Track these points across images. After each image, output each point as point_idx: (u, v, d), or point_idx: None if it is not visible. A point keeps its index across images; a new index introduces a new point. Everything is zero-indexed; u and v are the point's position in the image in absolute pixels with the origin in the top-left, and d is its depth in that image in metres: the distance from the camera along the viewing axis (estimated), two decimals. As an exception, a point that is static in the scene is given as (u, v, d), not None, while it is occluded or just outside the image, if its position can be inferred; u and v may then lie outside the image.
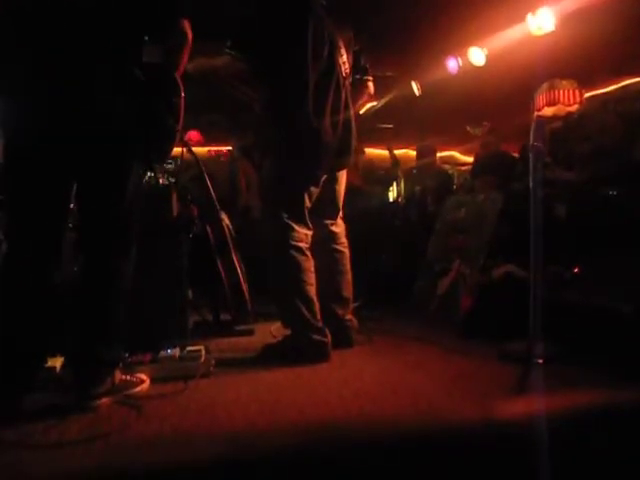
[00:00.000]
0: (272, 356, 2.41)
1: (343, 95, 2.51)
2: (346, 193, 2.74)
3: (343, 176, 2.67)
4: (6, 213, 1.82)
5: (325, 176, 2.52)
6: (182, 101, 1.94)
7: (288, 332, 2.51)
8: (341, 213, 2.73)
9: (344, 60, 2.53)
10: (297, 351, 2.36)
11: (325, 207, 2.61)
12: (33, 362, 1.82)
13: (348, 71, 2.58)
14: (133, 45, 1.83)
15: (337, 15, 2.54)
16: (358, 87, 2.70)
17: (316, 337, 2.35)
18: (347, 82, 2.57)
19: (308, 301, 2.39)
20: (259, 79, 2.46)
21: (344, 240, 2.71)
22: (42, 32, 1.70)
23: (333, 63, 2.46)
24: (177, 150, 3.50)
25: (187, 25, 1.90)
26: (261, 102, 2.53)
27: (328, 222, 2.65)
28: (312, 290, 2.42)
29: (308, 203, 2.48)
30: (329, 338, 2.38)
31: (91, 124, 1.74)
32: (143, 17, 1.84)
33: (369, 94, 2.81)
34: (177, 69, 1.92)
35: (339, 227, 2.71)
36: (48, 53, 1.69)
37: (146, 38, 1.87)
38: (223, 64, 2.37)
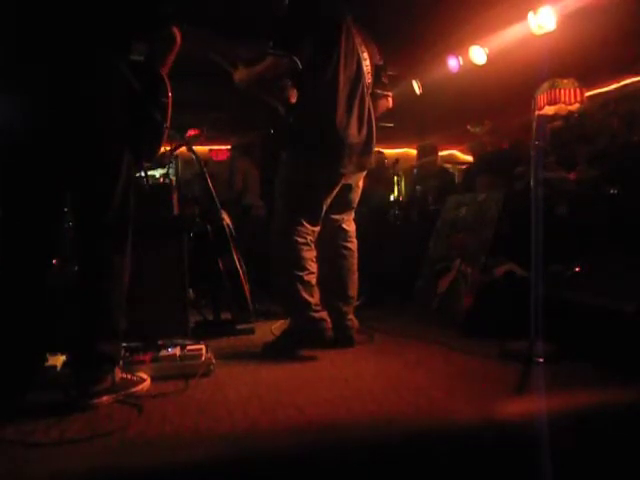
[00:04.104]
0: (273, 351, 2.44)
1: (367, 101, 2.60)
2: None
3: (362, 178, 2.72)
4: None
5: (346, 177, 2.56)
6: (170, 100, 1.97)
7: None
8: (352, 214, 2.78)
9: (368, 70, 2.63)
10: (298, 335, 2.42)
11: (339, 204, 2.65)
12: (32, 362, 1.83)
13: (370, 80, 2.66)
14: (122, 45, 1.85)
15: (364, 27, 2.66)
16: (377, 100, 2.77)
17: (316, 315, 2.42)
18: (368, 91, 2.65)
19: (308, 286, 2.44)
20: (295, 76, 2.50)
21: (355, 240, 2.75)
22: (31, 32, 1.70)
23: (360, 70, 2.56)
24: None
25: (176, 30, 1.92)
26: (293, 101, 2.57)
27: (341, 219, 2.69)
28: (313, 278, 2.47)
29: (327, 203, 2.53)
30: (329, 320, 2.44)
31: (80, 123, 1.75)
32: (134, 19, 1.85)
33: (387, 108, 2.89)
34: (163, 67, 1.95)
35: (351, 226, 2.76)
36: (37, 54, 1.69)
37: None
38: (268, 67, 2.39)
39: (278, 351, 2.43)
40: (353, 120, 2.49)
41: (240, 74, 2.51)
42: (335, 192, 2.55)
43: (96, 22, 1.77)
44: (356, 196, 2.73)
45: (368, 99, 2.62)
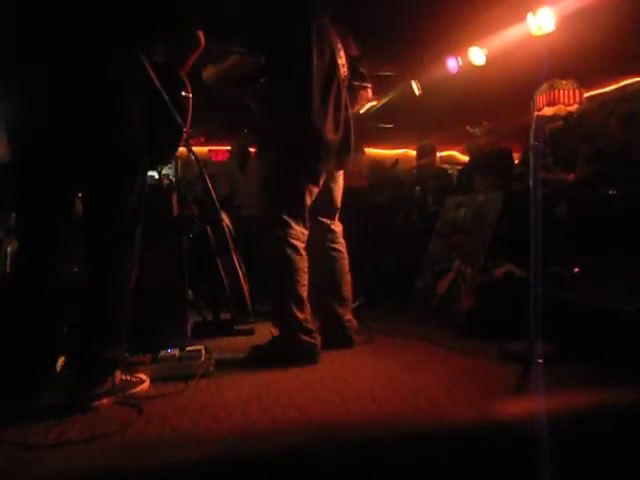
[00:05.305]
0: (260, 358, 2.40)
1: (343, 96, 2.56)
2: (349, 194, 2.74)
3: (341, 176, 2.70)
4: (15, 213, 1.84)
5: (325, 176, 2.54)
6: (190, 101, 1.96)
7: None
8: (338, 215, 2.75)
9: (343, 62, 2.59)
10: (286, 352, 2.34)
11: (324, 206, 2.63)
12: (46, 361, 1.83)
13: (346, 74, 2.63)
14: (145, 46, 1.84)
15: (338, 20, 2.62)
16: (356, 92, 2.75)
17: (306, 338, 2.35)
18: (345, 84, 2.62)
19: (300, 302, 2.38)
20: (267, 75, 2.48)
21: (342, 240, 2.72)
22: (52, 32, 1.70)
23: (335, 65, 2.52)
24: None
25: (201, 34, 1.94)
26: (264, 99, 2.55)
27: (327, 221, 2.67)
28: (305, 291, 2.41)
29: (309, 202, 2.50)
30: (319, 340, 2.39)
31: (99, 123, 1.75)
32: (158, 20, 1.86)
33: (367, 99, 2.87)
34: (183, 68, 1.96)
35: (338, 227, 2.73)
36: (57, 53, 1.69)
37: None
38: (234, 65, 2.39)
39: (264, 358, 2.37)
40: (329, 118, 2.45)
41: (208, 72, 2.49)
42: (316, 191, 2.52)
43: (119, 23, 1.76)
44: (339, 195, 2.69)
45: (344, 95, 2.58)
